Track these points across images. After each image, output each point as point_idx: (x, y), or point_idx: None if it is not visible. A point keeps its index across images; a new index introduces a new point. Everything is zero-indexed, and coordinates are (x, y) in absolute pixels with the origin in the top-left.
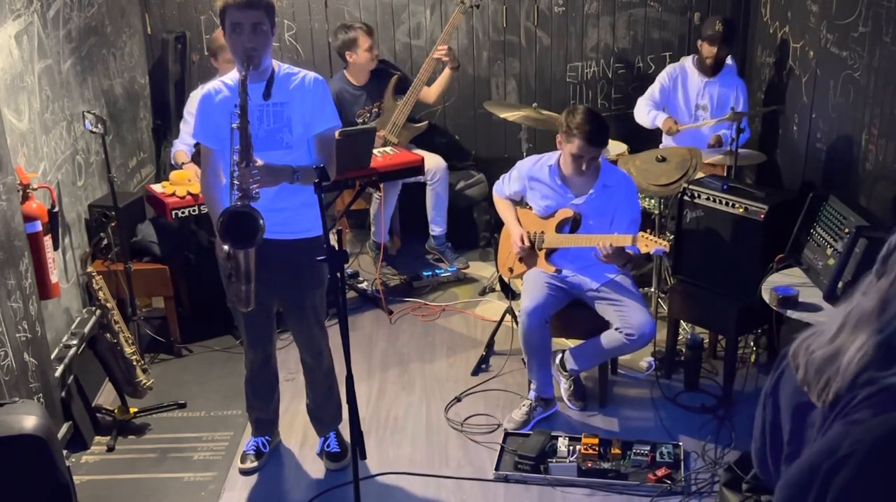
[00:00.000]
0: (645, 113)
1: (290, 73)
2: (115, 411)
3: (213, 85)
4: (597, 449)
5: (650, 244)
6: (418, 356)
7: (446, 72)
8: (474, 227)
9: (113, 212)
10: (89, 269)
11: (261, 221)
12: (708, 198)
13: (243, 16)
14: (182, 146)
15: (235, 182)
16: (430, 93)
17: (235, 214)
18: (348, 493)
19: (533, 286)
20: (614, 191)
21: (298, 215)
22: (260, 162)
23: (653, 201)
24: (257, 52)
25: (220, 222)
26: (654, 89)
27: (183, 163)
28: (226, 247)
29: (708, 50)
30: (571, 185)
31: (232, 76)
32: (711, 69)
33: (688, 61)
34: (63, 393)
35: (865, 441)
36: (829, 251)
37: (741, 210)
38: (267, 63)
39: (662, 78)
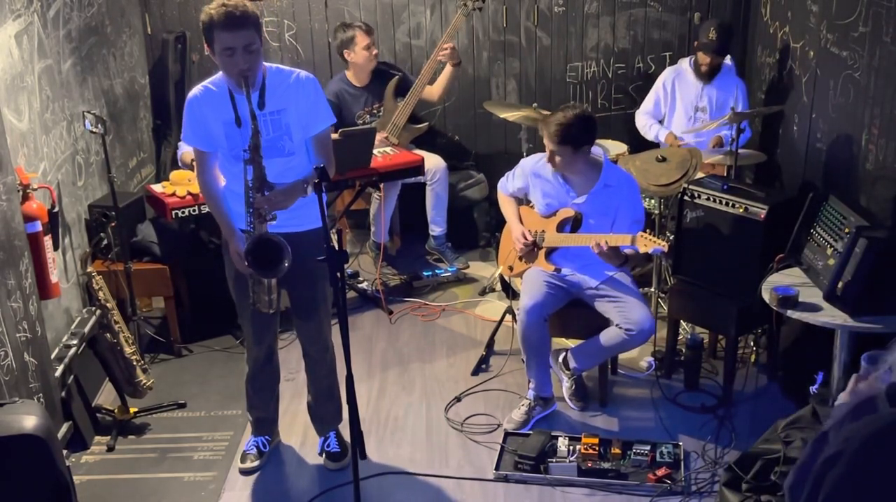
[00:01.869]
0: (647, 127)
1: (280, 75)
2: (115, 411)
3: (198, 89)
4: (597, 448)
5: (649, 244)
6: (418, 356)
7: (448, 68)
8: (474, 227)
9: (113, 212)
10: (89, 269)
11: (286, 262)
12: (708, 198)
13: (234, 38)
14: (187, 147)
15: (252, 209)
16: (434, 91)
17: (261, 244)
18: (348, 493)
19: (532, 284)
20: (616, 191)
21: (305, 208)
22: (275, 188)
23: (653, 201)
24: (252, 71)
25: (246, 254)
26: (648, 102)
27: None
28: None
29: (702, 57)
30: (573, 184)
31: (214, 81)
32: (707, 76)
33: (685, 63)
34: (63, 393)
35: (854, 439)
36: (829, 251)
37: (741, 210)
38: (259, 75)
39: (657, 87)
